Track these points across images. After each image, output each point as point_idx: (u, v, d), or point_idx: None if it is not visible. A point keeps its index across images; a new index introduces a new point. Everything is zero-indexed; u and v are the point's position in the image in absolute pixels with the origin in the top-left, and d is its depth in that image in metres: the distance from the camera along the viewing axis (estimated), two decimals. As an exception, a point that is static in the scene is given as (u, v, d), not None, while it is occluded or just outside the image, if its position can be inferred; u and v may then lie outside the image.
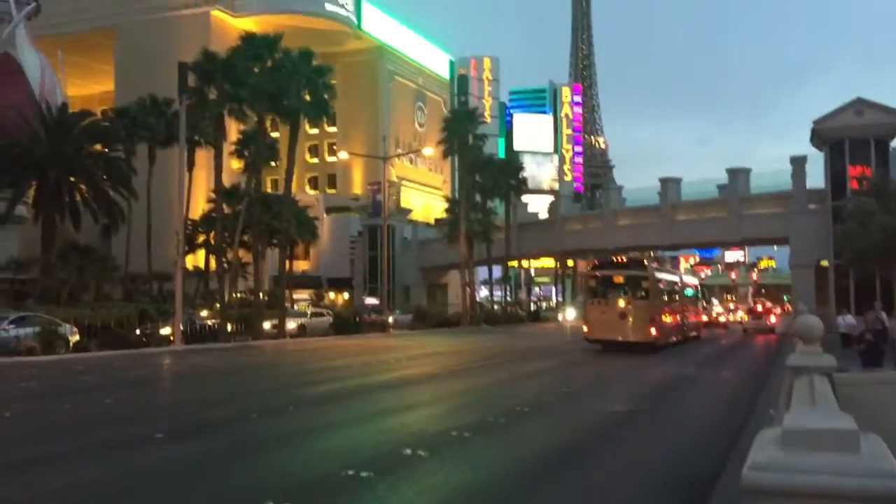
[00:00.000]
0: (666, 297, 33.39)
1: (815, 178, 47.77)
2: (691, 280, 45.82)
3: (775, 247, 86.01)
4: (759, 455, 2.80)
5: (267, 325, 38.16)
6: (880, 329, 13.97)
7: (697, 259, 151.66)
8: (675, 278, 39.96)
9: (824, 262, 44.46)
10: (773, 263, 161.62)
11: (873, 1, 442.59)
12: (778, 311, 58.45)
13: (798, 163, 48.19)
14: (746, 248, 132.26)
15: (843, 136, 43.63)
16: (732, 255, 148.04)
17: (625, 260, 33.91)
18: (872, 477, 2.57)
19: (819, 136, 45.08)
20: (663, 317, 31.74)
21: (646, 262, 38.96)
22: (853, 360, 17.14)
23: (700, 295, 46.29)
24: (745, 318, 56.64)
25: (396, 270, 67.65)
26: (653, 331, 29.55)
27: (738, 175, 52.10)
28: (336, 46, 75.02)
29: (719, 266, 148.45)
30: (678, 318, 35.38)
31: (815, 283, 45.79)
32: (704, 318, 48.99)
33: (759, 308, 57.79)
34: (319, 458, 9.71)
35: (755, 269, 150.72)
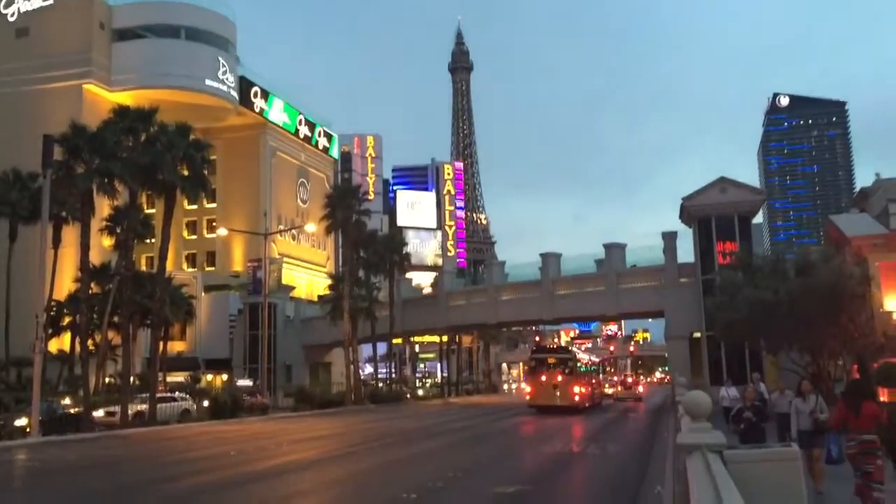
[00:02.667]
0: (583, 373, 44.74)
1: (686, 252, 49.95)
2: (596, 359, 61.58)
3: (650, 319, 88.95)
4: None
5: (100, 412, 34.53)
6: (759, 405, 13.69)
7: (577, 332, 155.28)
8: (588, 357, 53.50)
9: (697, 334, 46.00)
10: (648, 335, 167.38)
11: (730, 84, 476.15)
12: (642, 383, 79.33)
13: (669, 238, 50.22)
14: (623, 322, 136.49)
15: (709, 213, 45.83)
16: (611, 328, 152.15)
17: (555, 346, 52.27)
18: None
19: (687, 212, 47.23)
20: (583, 387, 42.53)
21: (570, 347, 51.92)
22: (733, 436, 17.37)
23: (602, 370, 58.52)
24: (619, 389, 64.36)
25: (278, 349, 65.57)
26: (577, 398, 40.51)
27: (614, 250, 53.76)
28: (217, 122, 73.78)
29: (598, 339, 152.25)
30: (591, 388, 46.37)
31: (689, 354, 47.25)
32: (609, 389, 60.54)
33: (629, 381, 71.00)
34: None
35: (632, 342, 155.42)
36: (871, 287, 29.49)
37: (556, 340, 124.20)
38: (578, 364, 44.62)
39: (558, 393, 40.33)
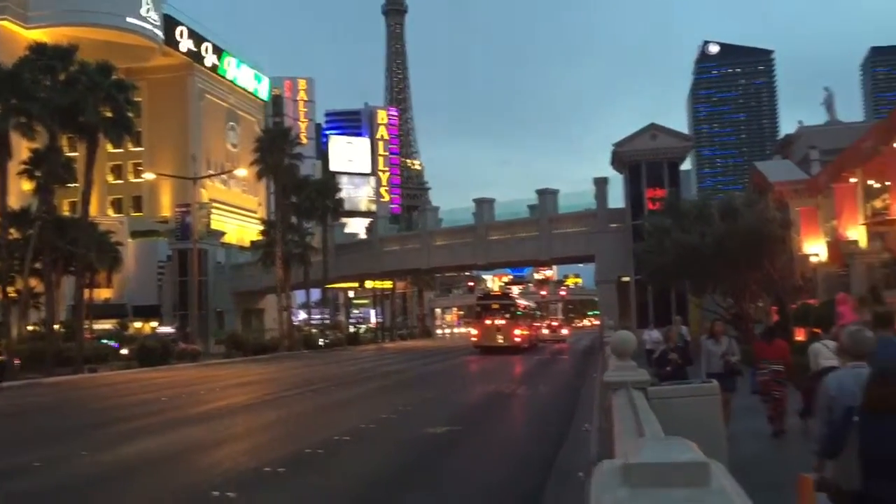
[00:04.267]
0: (523, 317, 49.15)
1: (617, 198, 50.73)
2: (533, 304, 64.18)
3: (582, 264, 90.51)
4: (605, 498, 2.45)
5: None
6: (683, 347, 13.31)
7: (510, 277, 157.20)
8: (526, 303, 57.62)
9: (626, 278, 47.02)
10: (579, 280, 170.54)
11: (665, 31, 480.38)
12: (566, 326, 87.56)
13: (600, 184, 50.88)
14: (555, 266, 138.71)
15: (639, 159, 46.49)
16: (543, 273, 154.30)
17: (499, 293, 58.73)
18: (726, 515, 2.28)
19: (618, 158, 47.84)
20: (523, 330, 47.06)
21: (511, 294, 58.29)
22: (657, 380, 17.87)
23: (539, 314, 64.35)
24: (546, 331, 67.15)
25: (209, 296, 64.71)
26: (517, 339, 45.27)
27: (547, 196, 54.25)
28: (141, 62, 71.13)
29: (530, 284, 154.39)
30: (530, 331, 50.73)
31: (618, 298, 48.35)
32: (545, 331, 64.55)
33: (555, 324, 75.10)
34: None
35: (564, 286, 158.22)
36: (791, 231, 30.51)
37: (490, 288, 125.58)
38: (518, 309, 49.03)
39: (501, 335, 44.86)
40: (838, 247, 25.68)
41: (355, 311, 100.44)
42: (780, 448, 10.94)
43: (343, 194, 71.35)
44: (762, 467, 9.17)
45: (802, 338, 23.42)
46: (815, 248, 29.88)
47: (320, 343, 58.67)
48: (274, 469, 10.43)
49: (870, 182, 24.74)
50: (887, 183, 22.06)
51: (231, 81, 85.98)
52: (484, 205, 57.20)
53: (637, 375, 8.17)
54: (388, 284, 78.02)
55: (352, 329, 77.18)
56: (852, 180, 24.88)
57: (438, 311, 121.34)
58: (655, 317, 38.07)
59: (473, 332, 49.94)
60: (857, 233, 24.53)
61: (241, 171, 64.69)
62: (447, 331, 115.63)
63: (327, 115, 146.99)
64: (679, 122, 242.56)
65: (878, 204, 25.41)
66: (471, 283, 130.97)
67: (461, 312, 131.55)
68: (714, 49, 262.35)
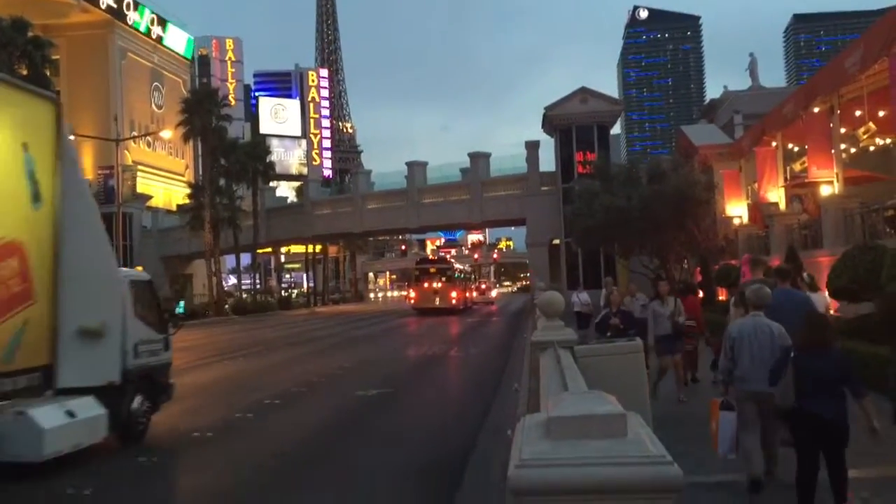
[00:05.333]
0: (458, 280, 51.86)
1: (548, 161, 51.19)
2: (468, 268, 69.03)
3: (513, 227, 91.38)
4: (527, 450, 2.51)
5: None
6: (627, 311, 12.47)
7: (443, 241, 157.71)
8: (462, 266, 61.36)
9: (556, 241, 47.68)
10: (511, 244, 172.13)
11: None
12: (494, 288, 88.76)
13: (532, 147, 51.25)
14: (487, 230, 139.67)
15: (570, 123, 46.92)
16: (475, 237, 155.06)
17: (435, 257, 59.07)
18: (642, 464, 2.37)
19: (549, 122, 48.18)
20: (458, 292, 49.32)
21: (448, 258, 61.76)
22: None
23: (473, 278, 66.54)
24: (475, 294, 67.57)
25: (135, 260, 63.09)
26: (453, 301, 47.66)
27: (479, 159, 54.39)
28: (59, 18, 68.11)
29: (463, 248, 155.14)
30: (465, 293, 52.87)
31: (549, 260, 49.08)
32: (475, 294, 65.27)
33: (483, 287, 76.08)
34: (44, 473, 8.46)
35: (496, 249, 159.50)
36: (715, 194, 31.30)
37: (426, 252, 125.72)
38: (455, 273, 51.97)
39: (438, 297, 47.06)
40: (759, 209, 26.44)
41: (287, 276, 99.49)
42: (695, 397, 11.31)
43: (274, 157, 70.05)
44: (687, 419, 9.50)
45: (724, 297, 24.18)
46: (738, 210, 30.74)
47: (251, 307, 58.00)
48: (203, 434, 10.34)
49: (790, 146, 25.48)
50: (806, 147, 22.77)
51: (155, 40, 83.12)
52: (416, 168, 57.03)
53: (564, 335, 8.33)
54: (319, 248, 77.40)
55: (283, 294, 76.44)
56: (773, 144, 25.58)
57: (371, 274, 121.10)
58: (585, 279, 38.81)
59: (412, 294, 51.23)
60: (776, 195, 25.29)
61: (167, 133, 62.82)
62: (380, 294, 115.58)
63: (256, 76, 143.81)
64: (609, 86, 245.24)
65: (797, 167, 26.23)
66: (403, 247, 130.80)
67: (394, 276, 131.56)
68: (644, 14, 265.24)
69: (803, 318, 6.22)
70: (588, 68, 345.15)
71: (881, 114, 20.00)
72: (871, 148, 22.87)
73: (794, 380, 5.72)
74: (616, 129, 57.10)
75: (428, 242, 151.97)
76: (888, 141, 21.44)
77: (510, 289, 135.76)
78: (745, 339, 6.84)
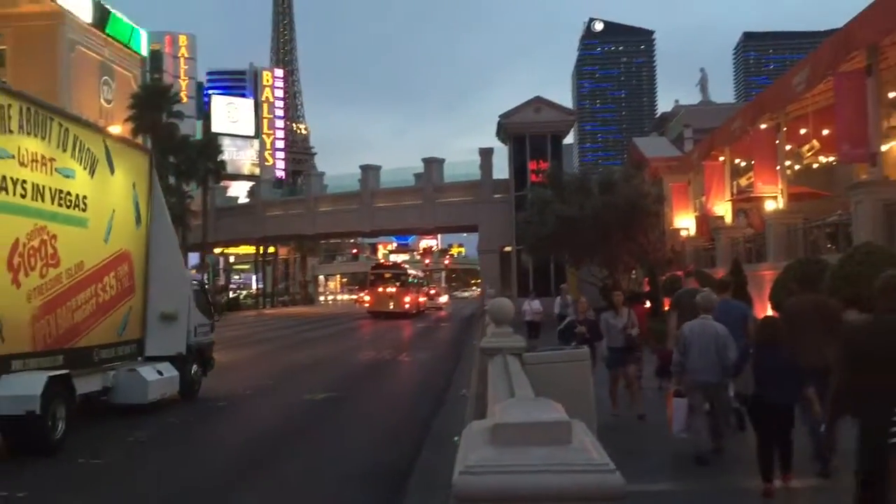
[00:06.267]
0: (412, 285, 52.92)
1: (502, 169, 51.46)
2: (422, 273, 70.85)
3: (466, 234, 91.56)
4: (471, 456, 2.50)
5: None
6: (593, 319, 12.08)
7: (395, 245, 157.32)
8: (415, 272, 62.70)
9: (508, 248, 47.91)
10: (463, 250, 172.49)
11: (555, 6, 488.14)
12: (446, 294, 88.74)
13: (485, 155, 51.49)
14: (440, 235, 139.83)
15: (524, 132, 47.24)
16: (427, 242, 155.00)
17: (389, 263, 62.22)
18: (585, 472, 2.38)
19: (504, 129, 48.47)
20: (412, 297, 50.56)
21: (402, 264, 64.40)
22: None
23: (425, 283, 66.69)
24: (426, 299, 67.83)
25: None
26: (407, 306, 48.48)
27: (433, 165, 54.45)
28: (7, 8, 66.33)
29: (415, 252, 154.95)
30: (418, 298, 54.08)
31: (500, 267, 49.29)
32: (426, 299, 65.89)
33: (433, 292, 75.60)
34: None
35: (447, 255, 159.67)
36: (664, 206, 31.82)
37: (377, 256, 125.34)
38: (409, 278, 52.96)
39: (392, 302, 47.77)
40: (706, 221, 26.96)
41: (236, 277, 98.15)
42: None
43: (225, 156, 69.11)
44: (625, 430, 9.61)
45: (670, 307, 24.57)
46: (686, 223, 31.28)
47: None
48: (136, 440, 10.15)
49: (737, 161, 26.03)
50: (752, 162, 23.27)
51: (106, 34, 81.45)
52: (370, 171, 56.85)
53: (513, 342, 8.36)
54: (270, 250, 76.56)
55: (231, 295, 75.42)
56: (721, 159, 26.10)
57: (322, 277, 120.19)
58: (535, 287, 39.07)
59: (366, 297, 53.08)
60: (723, 209, 25.80)
61: (115, 129, 61.56)
62: (331, 298, 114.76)
63: (210, 73, 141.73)
64: (564, 96, 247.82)
65: (743, 182, 26.81)
66: (355, 251, 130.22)
67: (346, 279, 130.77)
68: (599, 27, 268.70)
69: (740, 323, 8.03)
70: (543, 78, 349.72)
71: (825, 132, 20.56)
72: (815, 165, 23.51)
73: (754, 370, 6.83)
74: (569, 139, 57.62)
75: (380, 246, 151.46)
76: (831, 159, 22.02)
77: (462, 294, 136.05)
78: (695, 338, 8.11)
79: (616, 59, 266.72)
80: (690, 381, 8.10)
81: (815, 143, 21.50)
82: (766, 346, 6.89)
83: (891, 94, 17.24)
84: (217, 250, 73.47)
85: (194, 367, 13.97)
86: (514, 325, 8.95)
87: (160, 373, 12.53)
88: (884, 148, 16.03)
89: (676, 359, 8.32)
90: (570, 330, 11.26)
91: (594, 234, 29.93)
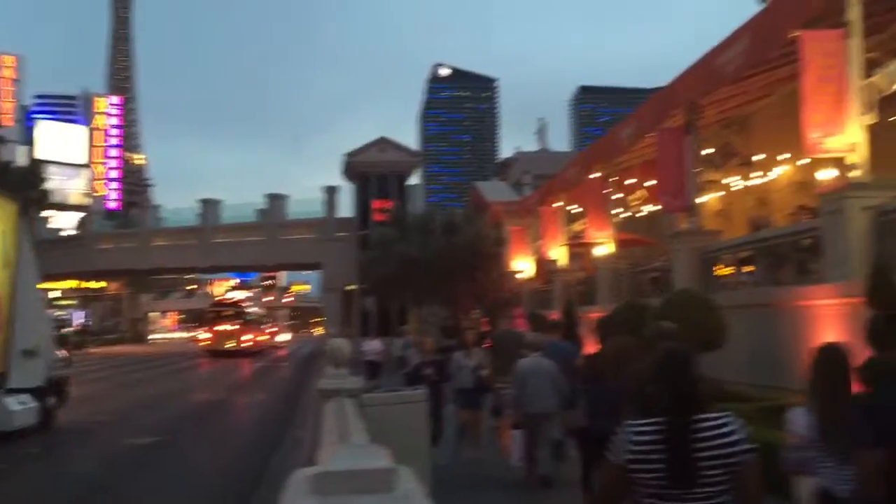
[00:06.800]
0: (252, 323, 52.46)
1: (347, 207, 51.42)
2: (262, 311, 69.80)
3: (309, 271, 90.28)
4: (291, 507, 2.45)
5: None
6: (441, 360, 11.63)
7: (236, 282, 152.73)
8: (256, 309, 62.69)
9: (351, 287, 47.68)
10: (307, 287, 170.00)
11: (404, 47, 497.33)
12: (286, 332, 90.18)
13: (330, 192, 51.32)
14: (284, 272, 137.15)
15: (369, 171, 47.53)
16: (269, 279, 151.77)
17: (228, 300, 60.06)
18: (406, 520, 2.38)
19: (350, 169, 48.55)
20: (252, 335, 50.07)
21: (242, 302, 60.51)
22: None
23: (266, 321, 65.60)
24: (265, 338, 66.33)
25: None
26: (246, 344, 47.88)
27: (277, 201, 53.60)
28: None
29: (257, 290, 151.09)
30: (258, 336, 53.33)
31: (343, 307, 48.91)
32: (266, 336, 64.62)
33: (274, 330, 74.81)
34: None
35: (290, 293, 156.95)
36: (503, 248, 32.76)
37: (214, 293, 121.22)
38: (249, 316, 52.65)
39: (231, 340, 47.31)
40: (543, 265, 27.94)
41: (60, 313, 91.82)
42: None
43: (52, 185, 65.17)
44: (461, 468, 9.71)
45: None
46: (523, 266, 32.31)
47: None
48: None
49: (571, 207, 27.26)
50: (585, 209, 24.41)
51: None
52: (210, 206, 55.15)
53: (350, 383, 8.31)
54: (101, 284, 72.33)
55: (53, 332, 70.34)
56: (557, 204, 27.22)
57: (155, 314, 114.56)
58: (378, 327, 39.05)
59: (204, 336, 51.16)
60: (558, 253, 26.85)
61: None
62: (164, 336, 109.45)
63: (38, 97, 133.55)
64: (410, 137, 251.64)
65: (577, 227, 28.07)
66: (193, 287, 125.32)
67: (182, 316, 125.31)
68: (445, 72, 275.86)
69: (566, 363, 8.79)
70: (391, 118, 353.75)
71: (650, 183, 21.94)
72: (641, 214, 25.00)
73: (586, 404, 7.24)
74: (415, 180, 58.54)
75: (220, 283, 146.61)
76: (655, 208, 23.47)
77: (304, 333, 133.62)
78: (530, 374, 8.82)
79: (461, 104, 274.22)
80: (527, 413, 8.84)
81: (642, 192, 22.89)
82: (592, 382, 7.32)
83: (706, 151, 18.67)
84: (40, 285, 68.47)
85: (52, 399, 14.97)
86: (353, 366, 8.91)
87: (23, 403, 13.62)
88: (700, 200, 17.30)
89: (514, 393, 9.01)
90: (417, 373, 10.86)
91: (436, 274, 30.38)
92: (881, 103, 10.71)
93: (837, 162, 11.11)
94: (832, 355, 4.20)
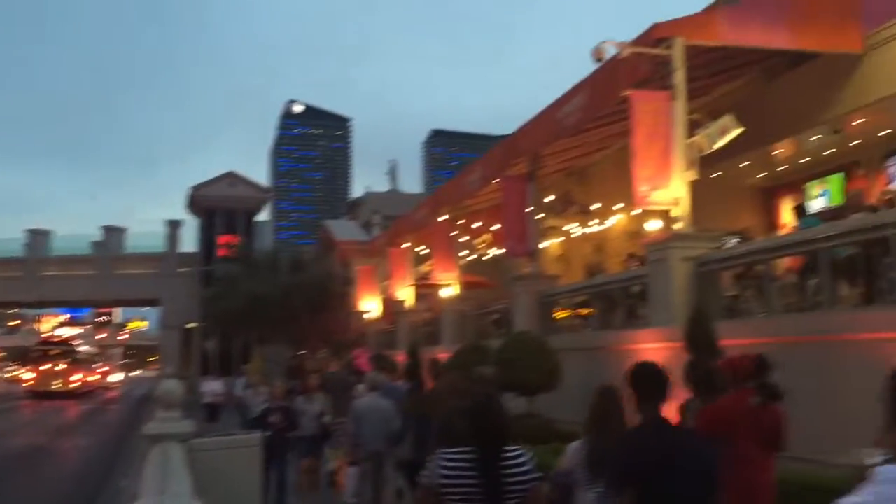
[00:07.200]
0: (82, 362, 49.68)
1: (192, 242, 49.65)
2: (93, 349, 66.44)
3: (148, 308, 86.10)
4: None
5: None
6: (289, 407, 10.56)
7: (67, 317, 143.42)
8: (88, 348, 60.00)
9: (191, 325, 45.92)
10: (145, 324, 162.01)
11: (258, 82, 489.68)
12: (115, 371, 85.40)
13: (173, 226, 49.43)
14: (120, 308, 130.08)
15: (216, 206, 46.26)
16: (103, 315, 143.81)
17: (54, 337, 59.47)
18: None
19: (196, 203, 47.03)
20: (80, 375, 47.18)
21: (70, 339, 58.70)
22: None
23: (97, 360, 62.63)
24: (95, 378, 61.99)
25: None
26: (74, 385, 45.43)
27: (114, 233, 51.02)
28: None
29: (90, 326, 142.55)
30: (87, 376, 50.42)
31: (183, 345, 46.94)
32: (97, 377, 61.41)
33: (105, 370, 70.79)
34: None
35: (126, 330, 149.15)
36: (351, 288, 32.58)
37: (40, 329, 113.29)
38: (78, 355, 49.89)
39: (58, 381, 44.87)
40: (389, 305, 27.98)
41: None
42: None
43: None
44: None
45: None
46: (370, 305, 32.23)
47: None
48: None
49: (419, 249, 27.53)
50: (432, 250, 24.73)
51: None
52: (38, 237, 51.72)
53: (180, 427, 7.91)
54: None
55: None
56: (405, 245, 27.43)
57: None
58: (219, 366, 37.65)
59: (28, 376, 48.57)
60: (405, 293, 27.00)
61: None
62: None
63: None
64: (261, 173, 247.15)
65: (424, 269, 28.37)
66: (15, 322, 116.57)
67: (3, 354, 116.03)
68: (299, 108, 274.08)
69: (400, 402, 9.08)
70: (246, 153, 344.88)
71: (495, 227, 22.54)
72: (487, 257, 25.61)
73: (414, 436, 7.71)
74: (265, 216, 57.49)
75: (48, 318, 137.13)
76: (500, 251, 24.10)
77: (138, 373, 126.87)
78: (366, 413, 9.06)
79: (314, 141, 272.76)
80: (362, 451, 9.10)
81: (488, 236, 23.46)
82: (419, 417, 7.77)
83: (548, 198, 19.45)
84: None
85: None
86: (190, 408, 8.51)
87: None
88: (542, 245, 17.95)
89: (351, 431, 9.30)
90: (263, 419, 9.96)
91: (282, 313, 29.79)
92: (702, 161, 11.55)
93: (663, 214, 11.84)
94: (603, 396, 4.87)
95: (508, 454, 3.71)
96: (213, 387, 22.06)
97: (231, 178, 47.47)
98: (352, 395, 10.77)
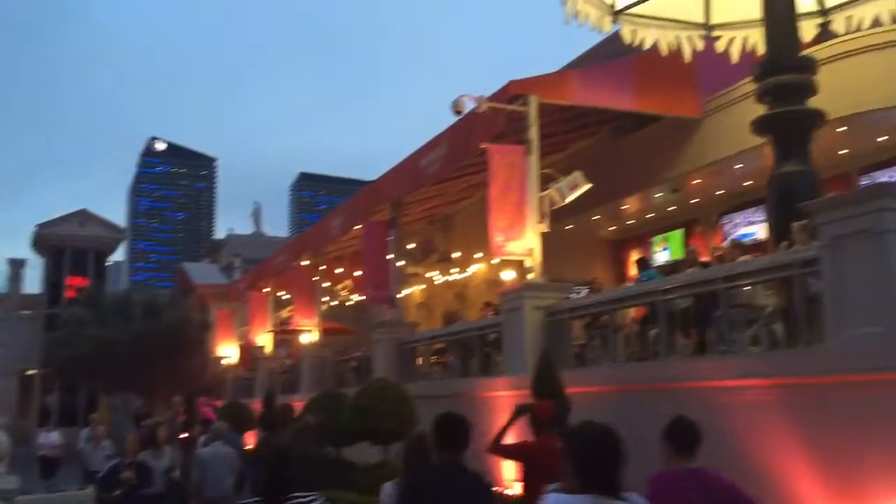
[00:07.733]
0: None
1: (36, 283, 46.82)
2: None
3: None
4: None
5: None
6: (144, 462, 9.37)
7: None
8: None
9: (31, 371, 43.12)
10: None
11: (112, 121, 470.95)
12: None
13: (15, 266, 46.52)
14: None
15: (65, 245, 43.85)
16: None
17: None
18: None
19: (42, 241, 44.47)
20: None
21: None
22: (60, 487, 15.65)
23: None
24: None
25: None
26: None
27: (-52, 272, 47.40)
28: None
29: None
30: None
31: (21, 393, 43.90)
32: None
33: None
34: None
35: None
36: (209, 333, 31.55)
37: None
38: None
39: None
40: (249, 351, 27.28)
41: None
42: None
43: None
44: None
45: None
46: (229, 351, 31.29)
47: None
48: None
49: (279, 293, 27.08)
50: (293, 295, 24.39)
51: None
52: None
53: (4, 483, 7.39)
54: None
55: None
56: (265, 290, 26.93)
57: None
58: (61, 416, 35.43)
59: None
60: (265, 339, 26.41)
61: None
62: None
63: None
64: (118, 211, 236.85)
65: (284, 314, 27.89)
66: None
67: None
68: (161, 146, 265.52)
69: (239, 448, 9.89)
70: (102, 191, 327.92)
71: (357, 273, 22.50)
72: (348, 303, 25.48)
73: (250, 485, 7.89)
74: (120, 257, 54.96)
75: None
76: (362, 297, 24.06)
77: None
78: (211, 461, 9.39)
79: (177, 180, 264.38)
80: (205, 497, 9.28)
81: (349, 282, 23.37)
82: (258, 463, 8.07)
83: (410, 246, 19.63)
84: None
85: None
86: (22, 462, 7.94)
87: None
88: (403, 292, 18.04)
89: (194, 478, 9.48)
90: (113, 474, 8.85)
91: (133, 359, 28.39)
92: (556, 214, 12.02)
93: (517, 264, 12.20)
94: (415, 441, 5.30)
95: (299, 499, 4.16)
96: (51, 438, 20.53)
97: (82, 216, 45.20)
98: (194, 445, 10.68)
